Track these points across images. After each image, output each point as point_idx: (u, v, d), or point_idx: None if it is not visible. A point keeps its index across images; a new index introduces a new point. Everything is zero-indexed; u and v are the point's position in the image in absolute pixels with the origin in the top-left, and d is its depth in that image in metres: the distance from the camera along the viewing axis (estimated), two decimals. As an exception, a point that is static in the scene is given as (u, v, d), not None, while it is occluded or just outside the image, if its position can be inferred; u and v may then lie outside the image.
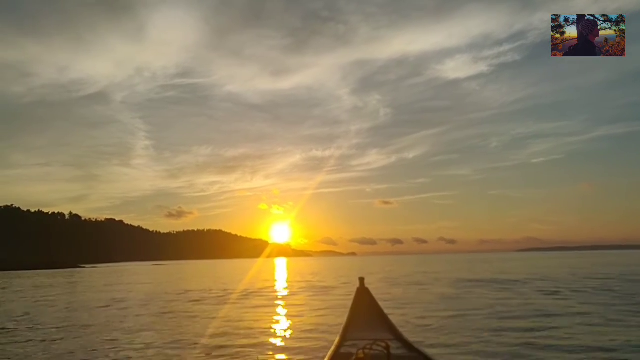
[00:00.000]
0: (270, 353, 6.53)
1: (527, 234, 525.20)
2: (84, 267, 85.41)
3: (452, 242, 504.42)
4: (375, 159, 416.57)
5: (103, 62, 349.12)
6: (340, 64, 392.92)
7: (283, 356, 6.35)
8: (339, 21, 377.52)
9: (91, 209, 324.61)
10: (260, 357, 6.32)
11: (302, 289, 18.19)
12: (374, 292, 4.36)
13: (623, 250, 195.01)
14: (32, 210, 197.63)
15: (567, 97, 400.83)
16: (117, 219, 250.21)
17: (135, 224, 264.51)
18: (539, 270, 29.53)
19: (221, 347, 6.98)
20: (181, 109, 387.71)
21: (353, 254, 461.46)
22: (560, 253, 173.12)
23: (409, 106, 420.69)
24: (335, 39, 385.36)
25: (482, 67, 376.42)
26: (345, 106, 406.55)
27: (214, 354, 6.56)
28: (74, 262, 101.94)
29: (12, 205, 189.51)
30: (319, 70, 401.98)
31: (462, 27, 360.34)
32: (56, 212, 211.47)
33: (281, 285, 21.03)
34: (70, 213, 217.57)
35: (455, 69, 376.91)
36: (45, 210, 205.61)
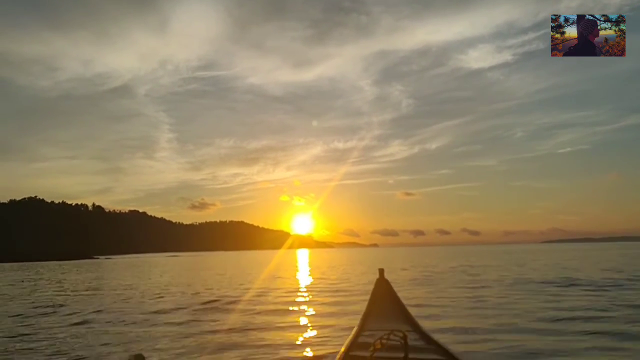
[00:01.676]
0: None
1: (553, 224, 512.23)
2: (98, 259, 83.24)
3: (475, 233, 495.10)
4: (397, 150, 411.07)
5: (127, 55, 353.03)
6: (362, 55, 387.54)
7: None
8: (361, 12, 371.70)
9: (116, 201, 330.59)
10: None
11: (319, 292, 13.95)
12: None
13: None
14: (56, 202, 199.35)
15: (593, 86, 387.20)
16: (140, 211, 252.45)
17: (159, 215, 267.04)
18: (602, 265, 24.44)
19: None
20: (204, 102, 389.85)
21: (375, 245, 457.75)
22: (592, 244, 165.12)
23: (432, 97, 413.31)
24: (357, 30, 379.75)
25: (507, 56, 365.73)
26: (367, 97, 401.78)
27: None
28: (92, 253, 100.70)
29: (35, 196, 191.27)
30: (341, 62, 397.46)
31: (485, 15, 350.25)
32: (80, 203, 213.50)
33: (294, 287, 16.81)
34: (94, 204, 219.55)
35: (478, 59, 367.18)
36: (70, 202, 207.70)
